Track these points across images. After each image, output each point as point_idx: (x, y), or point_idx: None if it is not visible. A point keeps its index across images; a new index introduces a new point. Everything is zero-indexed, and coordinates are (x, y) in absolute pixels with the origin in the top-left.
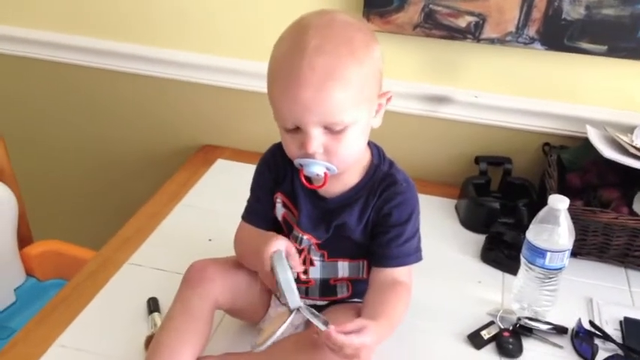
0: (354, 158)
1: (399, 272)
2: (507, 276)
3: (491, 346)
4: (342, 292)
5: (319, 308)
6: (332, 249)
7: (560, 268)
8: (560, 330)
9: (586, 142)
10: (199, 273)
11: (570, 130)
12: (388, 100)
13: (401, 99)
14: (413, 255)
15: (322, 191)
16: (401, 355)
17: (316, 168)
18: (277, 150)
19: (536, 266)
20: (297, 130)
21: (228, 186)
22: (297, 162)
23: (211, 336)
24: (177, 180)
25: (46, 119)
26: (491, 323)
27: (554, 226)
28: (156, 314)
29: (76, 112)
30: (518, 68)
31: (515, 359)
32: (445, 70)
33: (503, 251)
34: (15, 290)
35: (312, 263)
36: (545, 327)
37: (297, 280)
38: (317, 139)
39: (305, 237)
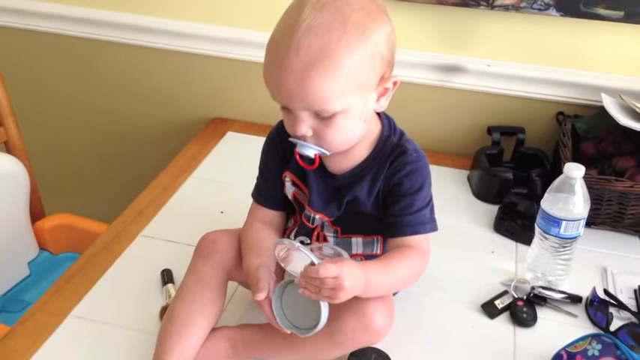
0: (348, 143)
1: (413, 240)
2: (521, 246)
3: (505, 316)
4: None
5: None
6: (345, 225)
7: (575, 237)
8: (574, 299)
9: (601, 111)
10: (211, 244)
11: (585, 98)
12: (394, 84)
13: (412, 69)
14: (428, 224)
15: (331, 168)
16: (415, 324)
17: (307, 150)
18: (281, 130)
19: (551, 235)
20: (287, 110)
21: (238, 158)
22: (291, 139)
23: (225, 306)
24: (188, 153)
25: (56, 93)
26: (505, 293)
27: (570, 194)
28: (170, 285)
29: (85, 86)
30: (532, 35)
31: (529, 328)
32: (458, 39)
33: (517, 221)
34: (29, 264)
35: (325, 240)
36: (559, 296)
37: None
38: (305, 122)
39: (317, 216)
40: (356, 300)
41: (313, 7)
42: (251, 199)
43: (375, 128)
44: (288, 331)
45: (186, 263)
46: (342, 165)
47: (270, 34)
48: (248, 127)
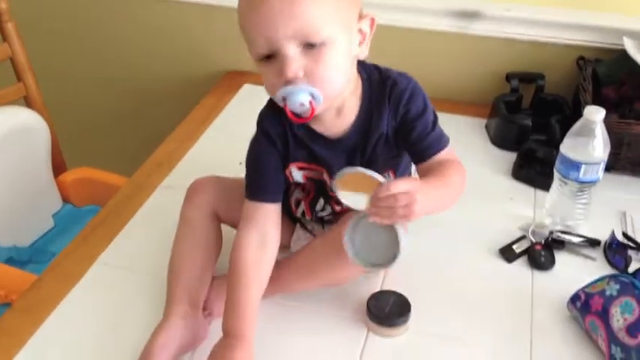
0: (340, 84)
1: (444, 155)
2: (539, 192)
3: (522, 259)
4: None
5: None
6: None
7: (595, 181)
8: (592, 242)
9: (622, 54)
10: (195, 186)
11: (606, 42)
12: (372, 25)
13: (428, 15)
14: (444, 136)
15: (332, 133)
16: (433, 269)
17: (300, 96)
18: (271, 117)
19: (570, 179)
20: (273, 57)
21: (255, 110)
22: (279, 95)
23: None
24: (205, 105)
25: (72, 49)
26: (523, 237)
27: (589, 138)
28: None
29: (100, 41)
30: None
31: (547, 271)
32: None
33: (536, 168)
34: (53, 216)
35: None
36: (577, 239)
37: (334, 212)
38: (295, 60)
39: None
40: None
41: None
42: None
43: (358, 83)
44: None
45: None
46: (341, 124)
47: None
48: None
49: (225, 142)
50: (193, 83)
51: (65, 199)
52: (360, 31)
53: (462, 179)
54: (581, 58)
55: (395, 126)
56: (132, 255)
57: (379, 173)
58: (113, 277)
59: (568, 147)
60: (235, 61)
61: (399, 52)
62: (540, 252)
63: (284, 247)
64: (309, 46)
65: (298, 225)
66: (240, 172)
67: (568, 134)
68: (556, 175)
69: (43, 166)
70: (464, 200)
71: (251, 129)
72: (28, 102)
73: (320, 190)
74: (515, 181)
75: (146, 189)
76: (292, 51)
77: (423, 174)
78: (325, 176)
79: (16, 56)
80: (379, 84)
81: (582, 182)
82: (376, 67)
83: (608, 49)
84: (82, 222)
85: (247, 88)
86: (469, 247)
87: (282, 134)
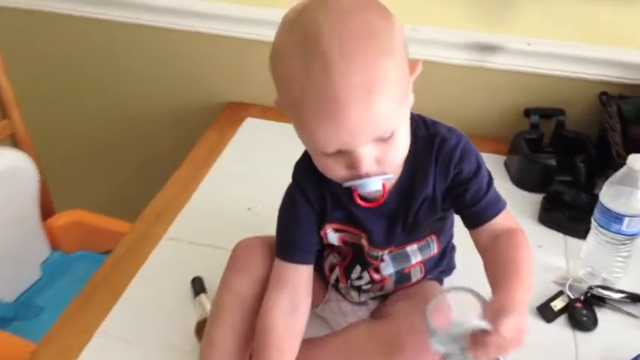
0: (405, 154)
1: (500, 222)
2: (569, 239)
3: (562, 318)
4: (416, 276)
5: (384, 297)
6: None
7: (638, 234)
8: (634, 298)
9: None
10: (246, 253)
11: (630, 77)
12: (415, 70)
13: (446, 49)
14: (501, 198)
15: (374, 196)
16: None
17: (374, 184)
18: (308, 173)
19: (612, 232)
20: (341, 152)
21: (260, 147)
22: (347, 184)
23: None
24: (206, 143)
25: (61, 77)
26: (561, 293)
27: (633, 188)
28: (203, 296)
29: (94, 70)
30: (575, 12)
31: (590, 332)
32: (495, 15)
33: (564, 212)
34: (41, 265)
35: (381, 259)
36: (618, 295)
37: (372, 282)
38: (369, 156)
39: (386, 252)
40: (416, 317)
41: (329, 29)
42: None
43: None
44: None
45: (216, 268)
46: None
47: (280, 75)
48: (267, 112)
49: (230, 185)
50: (192, 115)
51: (54, 246)
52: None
53: (531, 255)
54: (604, 93)
55: (445, 187)
56: (138, 323)
57: (421, 238)
58: (117, 350)
59: (609, 197)
60: (237, 92)
61: (416, 86)
62: (582, 311)
63: (313, 306)
64: (381, 139)
65: (331, 285)
66: (251, 219)
67: (608, 182)
68: (594, 225)
69: (31, 210)
70: None
71: (257, 169)
72: (14, 140)
73: (357, 256)
74: (541, 225)
75: (149, 241)
76: (367, 149)
77: (480, 242)
78: (364, 241)
79: (2, 92)
80: (426, 141)
81: (625, 235)
82: (422, 119)
83: (632, 85)
84: (72, 271)
85: (250, 123)
86: None
87: (319, 193)
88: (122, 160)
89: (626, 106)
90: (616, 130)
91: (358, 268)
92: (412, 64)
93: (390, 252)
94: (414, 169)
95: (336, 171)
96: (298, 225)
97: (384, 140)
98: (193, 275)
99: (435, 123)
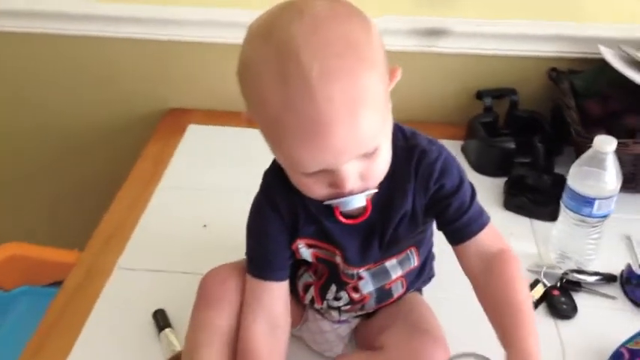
0: (389, 165)
1: (486, 240)
2: (536, 223)
3: (541, 308)
4: (398, 291)
5: (367, 315)
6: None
7: (608, 214)
8: (609, 279)
9: (600, 65)
10: (220, 288)
11: (578, 52)
12: (397, 77)
13: (393, 36)
14: (484, 212)
15: (349, 211)
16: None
17: (357, 201)
18: (278, 185)
19: (583, 215)
20: (322, 171)
21: (208, 156)
22: (328, 203)
23: None
24: (149, 156)
25: None
26: (537, 282)
27: (600, 170)
28: (168, 331)
29: (12, 86)
30: None
31: (571, 319)
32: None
33: (527, 196)
34: None
35: (359, 277)
36: (592, 278)
37: (351, 302)
38: (353, 173)
39: (361, 270)
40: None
41: (306, 45)
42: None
43: None
44: None
45: (179, 298)
46: None
47: (255, 96)
48: (211, 117)
49: (181, 201)
50: (129, 128)
51: None
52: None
53: (526, 285)
54: (553, 69)
55: (425, 203)
56: None
57: (400, 252)
58: None
59: (577, 180)
60: (175, 97)
61: None
62: (560, 298)
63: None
64: (365, 155)
65: (309, 307)
66: (207, 237)
67: (575, 166)
68: (564, 209)
69: None
70: None
71: (208, 181)
72: None
73: (332, 275)
74: (507, 211)
75: (99, 274)
76: (351, 167)
77: (467, 263)
78: (338, 258)
79: None
80: (404, 152)
81: (596, 217)
82: (400, 129)
83: (581, 59)
84: (13, 309)
85: (193, 130)
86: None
87: (291, 206)
88: (56, 183)
89: (577, 81)
90: (571, 107)
91: (334, 288)
92: (391, 70)
93: (368, 269)
94: (392, 183)
95: (316, 190)
96: (269, 241)
97: (367, 156)
98: (154, 308)
99: (414, 134)
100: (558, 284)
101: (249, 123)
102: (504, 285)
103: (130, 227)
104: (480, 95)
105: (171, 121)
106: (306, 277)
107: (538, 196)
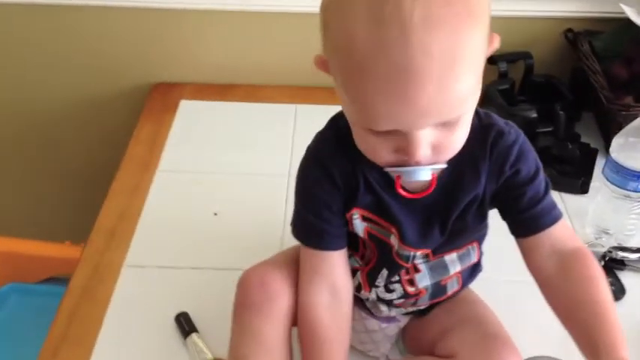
0: (464, 142)
1: (560, 236)
2: (565, 197)
3: None
4: (453, 288)
5: (422, 312)
6: (439, 246)
7: None
8: None
9: (622, 24)
10: (260, 289)
11: (597, 11)
12: (494, 45)
13: None
14: (557, 207)
15: (412, 187)
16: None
17: (423, 174)
18: (336, 150)
19: (628, 190)
20: (393, 132)
21: (206, 134)
22: (390, 170)
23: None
24: (141, 138)
25: None
26: None
27: None
28: (195, 336)
29: None
30: None
31: (620, 301)
32: None
33: (555, 167)
34: None
35: (416, 269)
36: (635, 255)
37: (405, 295)
38: (425, 142)
39: (418, 253)
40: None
41: None
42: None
43: None
44: None
45: (199, 297)
46: None
47: (342, 35)
48: (202, 91)
49: (184, 187)
50: (113, 106)
51: None
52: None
53: (603, 275)
54: (569, 30)
55: (495, 188)
56: None
57: (462, 247)
58: None
59: (621, 153)
60: (163, 70)
61: None
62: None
63: None
64: (445, 123)
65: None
66: (220, 226)
67: (619, 137)
68: (605, 183)
69: None
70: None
71: (210, 163)
72: None
73: (384, 258)
74: None
75: (106, 275)
76: (427, 133)
77: (537, 260)
78: (393, 238)
79: None
80: (479, 131)
81: None
82: (476, 109)
83: (598, 19)
84: (3, 307)
85: (186, 106)
86: (518, 282)
87: (349, 174)
88: (37, 172)
89: (597, 42)
90: (597, 71)
91: (385, 272)
92: (491, 35)
93: (427, 261)
94: (463, 162)
95: (380, 153)
96: (324, 208)
97: (447, 125)
98: (172, 309)
99: (488, 114)
100: (602, 264)
101: (322, 67)
102: (589, 283)
103: (133, 219)
104: (493, 60)
105: (159, 98)
106: (352, 262)
107: (567, 168)
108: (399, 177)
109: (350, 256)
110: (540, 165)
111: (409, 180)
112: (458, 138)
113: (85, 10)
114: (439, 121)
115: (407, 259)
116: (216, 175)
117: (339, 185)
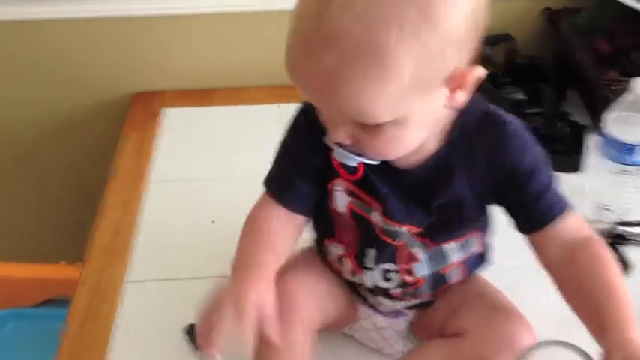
0: (404, 153)
1: (570, 227)
2: (560, 175)
3: None
4: (457, 276)
5: (427, 304)
6: (435, 233)
7: None
8: None
9: (600, 0)
10: (288, 297)
11: None
12: (476, 78)
13: None
14: (565, 198)
15: (402, 162)
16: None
17: (347, 160)
18: (314, 116)
19: (625, 164)
20: None
21: (193, 141)
22: (326, 139)
23: None
24: (126, 149)
25: None
26: None
27: None
28: None
29: None
30: None
31: (627, 277)
32: None
33: (548, 148)
34: None
35: (414, 258)
36: (637, 230)
37: (404, 284)
38: (341, 128)
39: (404, 229)
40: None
41: None
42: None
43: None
44: None
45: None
46: (416, 154)
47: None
48: (183, 97)
49: (178, 197)
50: (93, 119)
51: None
52: (458, 86)
53: (615, 261)
54: (547, 9)
55: (497, 180)
56: None
57: (461, 236)
58: None
59: (615, 127)
60: (142, 79)
61: None
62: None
63: (343, 325)
64: (362, 124)
65: (360, 302)
66: (219, 234)
67: (612, 112)
68: (601, 159)
69: None
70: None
71: (204, 171)
72: None
73: (367, 238)
74: None
75: (108, 293)
76: (341, 119)
77: (546, 253)
78: (376, 215)
79: None
80: (479, 116)
81: (639, 165)
82: (477, 97)
83: None
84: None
85: (169, 114)
86: (521, 267)
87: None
88: (23, 190)
89: (578, 20)
90: (580, 48)
91: (372, 252)
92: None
93: (425, 250)
94: (460, 144)
95: (320, 117)
96: (304, 160)
97: (366, 128)
98: (180, 322)
99: (494, 106)
100: (609, 240)
101: None
102: (600, 265)
103: (129, 233)
104: None
105: (141, 107)
106: (334, 250)
107: (558, 147)
108: (332, 153)
109: (329, 245)
110: (543, 159)
111: (336, 158)
112: (383, 147)
113: (60, 22)
114: (337, 111)
115: (394, 235)
116: (209, 181)
117: (316, 149)
